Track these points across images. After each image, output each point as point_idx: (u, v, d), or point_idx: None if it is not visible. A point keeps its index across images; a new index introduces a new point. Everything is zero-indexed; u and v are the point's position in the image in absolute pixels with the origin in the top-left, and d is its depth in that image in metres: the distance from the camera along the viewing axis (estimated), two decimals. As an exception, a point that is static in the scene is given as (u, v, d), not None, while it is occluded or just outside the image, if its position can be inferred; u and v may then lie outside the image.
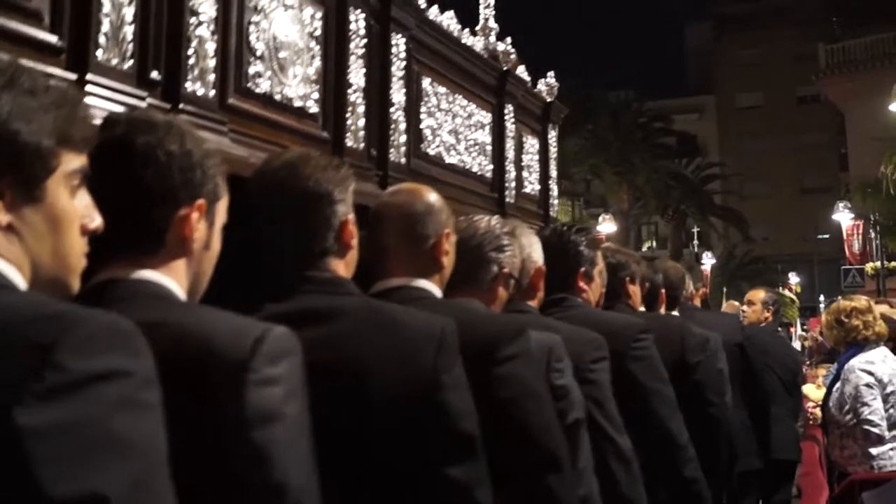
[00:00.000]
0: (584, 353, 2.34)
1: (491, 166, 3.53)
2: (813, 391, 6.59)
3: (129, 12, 1.84)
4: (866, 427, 4.37)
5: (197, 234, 1.38)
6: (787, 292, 35.22)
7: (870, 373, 4.42)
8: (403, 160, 2.83)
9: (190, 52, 1.99)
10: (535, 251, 2.57)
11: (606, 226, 25.05)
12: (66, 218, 1.14)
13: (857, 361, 4.48)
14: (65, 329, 0.95)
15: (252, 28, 2.22)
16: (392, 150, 2.76)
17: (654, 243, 41.56)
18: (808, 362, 12.16)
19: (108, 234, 1.21)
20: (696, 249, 33.24)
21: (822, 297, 31.36)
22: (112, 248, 1.30)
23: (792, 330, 29.61)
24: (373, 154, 2.67)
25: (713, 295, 20.88)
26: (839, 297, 5.48)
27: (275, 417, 1.22)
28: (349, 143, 2.54)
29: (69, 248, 1.16)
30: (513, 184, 3.68)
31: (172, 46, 1.97)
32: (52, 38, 1.72)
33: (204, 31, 2.03)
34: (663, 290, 4.09)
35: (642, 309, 3.66)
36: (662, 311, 4.11)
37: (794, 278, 36.36)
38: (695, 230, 33.47)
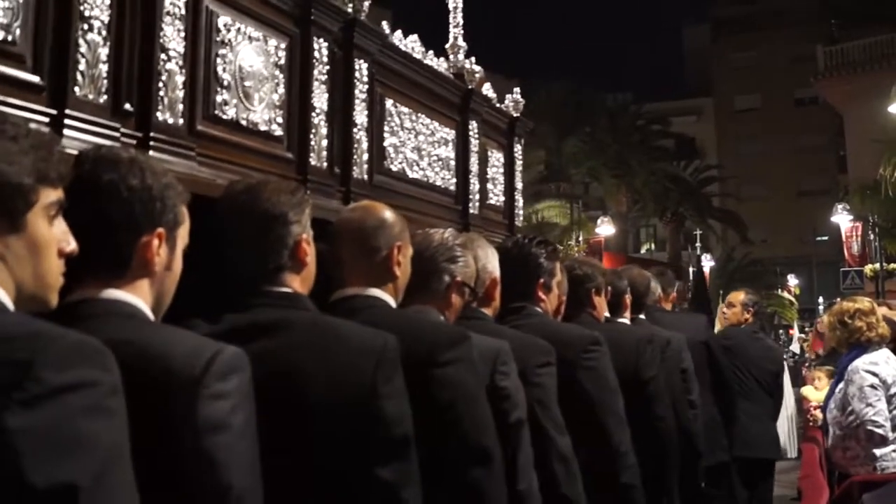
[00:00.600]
0: (530, 357, 2.54)
1: (455, 180, 3.77)
2: (812, 392, 6.66)
3: (103, 52, 2.08)
4: (870, 428, 4.42)
5: (158, 258, 1.59)
6: (785, 294, 35.39)
7: (874, 374, 4.50)
8: (366, 177, 3.07)
9: (160, 84, 2.24)
10: (490, 262, 2.78)
11: (605, 228, 25.02)
12: (45, 244, 1.35)
13: (861, 362, 4.55)
14: (41, 347, 1.16)
15: (219, 60, 2.47)
16: (355, 167, 3.00)
17: (653, 245, 41.72)
18: (806, 364, 12.32)
19: (82, 256, 1.42)
20: (698, 252, 33.34)
21: (821, 299, 31.44)
22: (85, 269, 1.51)
23: (791, 332, 29.70)
24: (336, 172, 2.91)
25: (711, 297, 20.98)
26: (838, 299, 5.62)
27: (223, 427, 1.42)
28: (313, 162, 2.78)
29: (47, 269, 1.37)
30: (477, 196, 3.92)
31: (144, 80, 2.21)
32: (35, 79, 1.97)
33: (173, 66, 2.27)
34: (627, 297, 4.31)
35: (607, 314, 3.89)
36: (627, 315, 4.34)
37: (792, 280, 36.49)
38: (697, 233, 33.50)
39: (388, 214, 2.24)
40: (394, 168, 3.34)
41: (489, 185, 4.11)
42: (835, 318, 4.80)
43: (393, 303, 2.22)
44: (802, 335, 24.23)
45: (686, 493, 3.76)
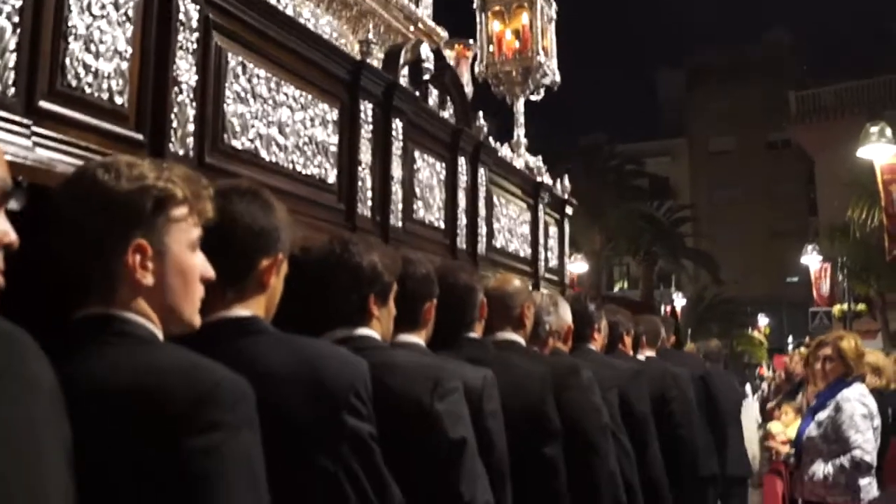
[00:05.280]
0: (604, 382, 3.83)
1: (530, 250, 5.28)
2: (777, 427, 7.33)
3: (368, 179, 3.54)
4: (858, 454, 4.74)
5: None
6: (755, 334, 36.72)
7: (864, 405, 4.92)
8: (484, 252, 4.56)
9: (394, 198, 3.70)
10: (566, 314, 4.22)
11: (578, 266, 25.88)
12: (393, 313, 2.76)
13: (852, 393, 4.95)
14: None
15: (415, 181, 3.94)
16: (479, 245, 4.48)
17: (626, 284, 42.88)
18: (772, 401, 13.22)
19: None
20: (673, 291, 34.49)
21: (790, 339, 32.73)
22: None
23: (761, 371, 30.80)
24: (469, 251, 4.36)
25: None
26: (807, 338, 6.58)
27: (461, 420, 2.41)
28: (459, 245, 4.26)
29: (391, 325, 2.76)
30: (543, 262, 5.42)
31: (384, 196, 3.67)
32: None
33: (397, 187, 3.73)
34: (644, 338, 5.84)
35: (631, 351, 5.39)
36: (646, 352, 5.85)
37: (762, 320, 37.76)
38: (673, 277, 34.33)
39: (518, 282, 3.65)
40: (498, 245, 4.83)
41: (548, 253, 5.61)
42: (840, 352, 5.12)
43: (524, 343, 3.59)
44: (771, 374, 25.11)
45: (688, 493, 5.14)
